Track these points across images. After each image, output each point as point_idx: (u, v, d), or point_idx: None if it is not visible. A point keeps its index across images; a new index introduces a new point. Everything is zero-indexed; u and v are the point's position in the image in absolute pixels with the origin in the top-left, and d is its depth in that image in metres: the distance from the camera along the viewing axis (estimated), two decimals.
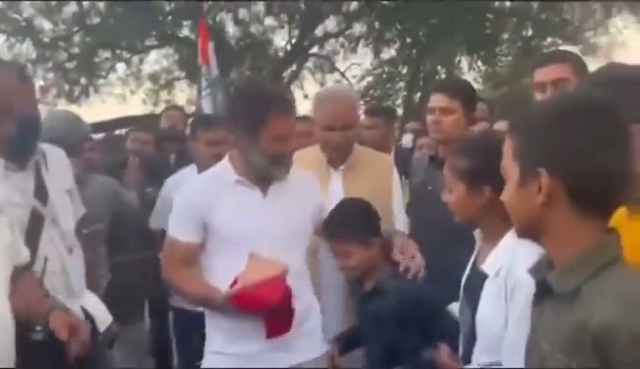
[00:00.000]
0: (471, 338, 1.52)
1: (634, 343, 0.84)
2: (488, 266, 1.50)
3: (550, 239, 0.99)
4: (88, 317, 2.00)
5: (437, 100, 2.34)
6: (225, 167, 1.95)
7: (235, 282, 1.81)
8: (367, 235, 1.91)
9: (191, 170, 2.93)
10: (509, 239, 1.48)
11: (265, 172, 1.88)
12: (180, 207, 1.96)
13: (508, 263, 1.43)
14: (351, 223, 1.93)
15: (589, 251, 0.94)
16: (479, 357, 1.51)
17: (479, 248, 1.60)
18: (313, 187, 2.06)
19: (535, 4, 12.04)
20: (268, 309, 1.79)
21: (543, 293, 1.00)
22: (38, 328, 1.60)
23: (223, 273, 1.87)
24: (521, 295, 1.37)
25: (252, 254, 1.83)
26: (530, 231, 1.02)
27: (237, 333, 1.87)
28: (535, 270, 1.05)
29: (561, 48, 9.07)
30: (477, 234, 1.61)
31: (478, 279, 1.51)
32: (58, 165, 2.05)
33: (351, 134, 2.26)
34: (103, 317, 2.06)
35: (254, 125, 1.82)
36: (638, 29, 12.30)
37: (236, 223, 1.87)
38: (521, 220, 1.02)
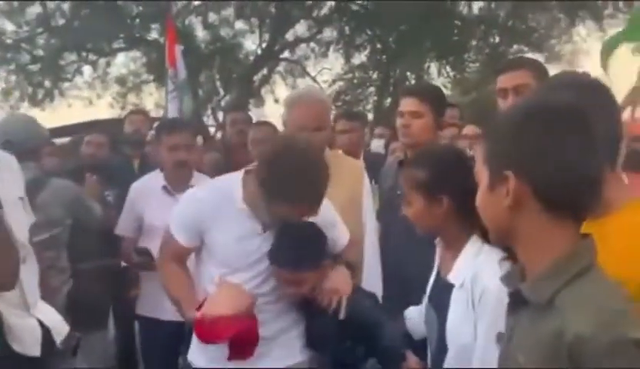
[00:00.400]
0: (442, 347, 1.50)
1: (607, 354, 0.83)
2: (453, 276, 1.49)
3: (522, 246, 0.97)
4: (44, 328, 1.93)
5: (407, 104, 2.33)
6: (235, 187, 1.88)
7: (202, 303, 1.79)
8: (319, 261, 1.83)
9: (156, 175, 2.83)
10: (470, 247, 1.48)
11: (267, 221, 1.84)
12: (182, 209, 1.94)
13: (473, 271, 1.43)
14: (303, 251, 1.81)
15: (563, 259, 0.92)
16: (451, 366, 1.50)
17: (441, 257, 1.59)
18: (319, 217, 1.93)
19: (502, 13, 12.31)
20: (220, 342, 1.77)
21: (517, 303, 0.99)
22: None
23: (208, 284, 1.87)
24: (488, 302, 1.36)
25: (222, 281, 1.81)
26: (502, 238, 1.00)
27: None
28: (508, 280, 1.03)
29: (527, 55, 9.28)
30: (437, 242, 1.60)
31: (444, 289, 1.50)
32: (9, 172, 1.95)
33: (322, 136, 2.19)
34: (59, 328, 1.99)
35: (268, 197, 1.74)
36: (600, 38, 12.66)
37: (229, 247, 1.85)
38: (493, 225, 1.01)
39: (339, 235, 1.99)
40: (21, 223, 1.91)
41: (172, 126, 2.89)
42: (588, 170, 0.94)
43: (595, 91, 1.17)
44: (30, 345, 1.86)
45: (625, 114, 2.89)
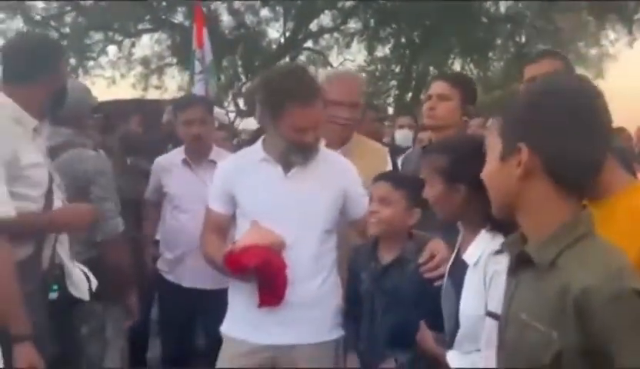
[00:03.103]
0: (457, 324, 1.53)
1: (611, 303, 0.89)
2: (468, 255, 1.53)
3: (526, 214, 1.02)
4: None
5: (436, 87, 2.34)
6: (256, 146, 2.01)
7: (232, 245, 1.87)
8: (414, 198, 1.81)
9: (180, 150, 2.92)
10: (487, 231, 1.51)
11: (286, 156, 1.92)
12: (214, 181, 2.06)
13: (487, 252, 1.47)
14: (409, 180, 1.90)
15: (567, 225, 0.98)
16: (461, 343, 1.53)
17: (462, 238, 1.62)
18: (343, 173, 2.02)
19: (529, 13, 12.16)
20: (247, 273, 1.83)
21: (519, 265, 1.04)
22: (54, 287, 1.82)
23: None
24: (499, 283, 1.38)
25: (254, 223, 1.89)
26: (507, 207, 1.05)
27: (243, 305, 1.93)
28: (510, 245, 1.09)
29: None
30: (460, 225, 1.63)
31: (462, 268, 1.54)
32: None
33: (356, 113, 2.26)
34: (90, 277, 2.07)
35: (275, 112, 1.86)
36: (629, 42, 12.46)
37: (255, 197, 1.94)
38: (500, 195, 1.06)
39: (365, 205, 2.01)
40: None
41: (186, 102, 3.01)
42: (596, 150, 1.00)
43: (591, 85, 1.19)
44: (83, 290, 2.01)
45: None
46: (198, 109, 2.82)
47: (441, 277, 1.70)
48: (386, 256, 1.89)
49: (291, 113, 1.82)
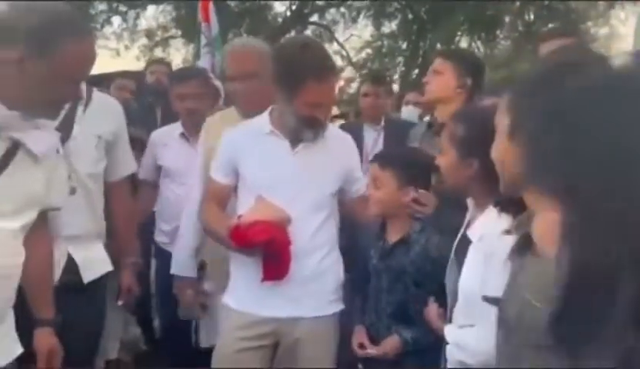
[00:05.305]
0: (456, 300, 1.56)
1: None
2: (472, 232, 1.54)
3: (533, 194, 1.00)
4: (72, 263, 2.01)
5: (434, 63, 2.39)
6: (263, 119, 1.98)
7: (238, 219, 1.88)
8: (406, 178, 1.85)
9: (177, 124, 2.91)
10: (493, 209, 1.50)
11: (296, 131, 1.91)
12: (219, 150, 2.03)
13: (491, 230, 1.45)
14: (397, 158, 1.91)
15: None
16: (457, 318, 1.56)
17: (470, 215, 1.63)
18: (347, 150, 2.05)
19: None
20: (253, 248, 1.84)
21: (525, 246, 1.03)
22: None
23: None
24: (499, 261, 1.39)
25: (259, 197, 1.89)
26: (514, 186, 1.03)
27: (246, 278, 1.95)
28: (517, 227, 1.08)
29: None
30: (469, 201, 1.63)
31: (467, 244, 1.55)
32: (102, 112, 2.08)
33: (253, 84, 2.12)
34: (91, 269, 2.08)
35: (290, 87, 1.84)
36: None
37: (260, 170, 1.93)
38: (508, 172, 1.04)
39: (361, 184, 2.07)
40: (86, 155, 2.02)
41: (181, 76, 3.00)
42: None
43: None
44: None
45: None
46: (192, 84, 2.82)
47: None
48: (392, 235, 1.92)
49: (308, 88, 1.80)
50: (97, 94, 2.10)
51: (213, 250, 2.19)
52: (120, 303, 2.36)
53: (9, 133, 1.38)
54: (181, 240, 2.35)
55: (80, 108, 2.00)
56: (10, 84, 1.34)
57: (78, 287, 2.00)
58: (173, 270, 2.35)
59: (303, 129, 1.89)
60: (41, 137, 1.43)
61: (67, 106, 1.86)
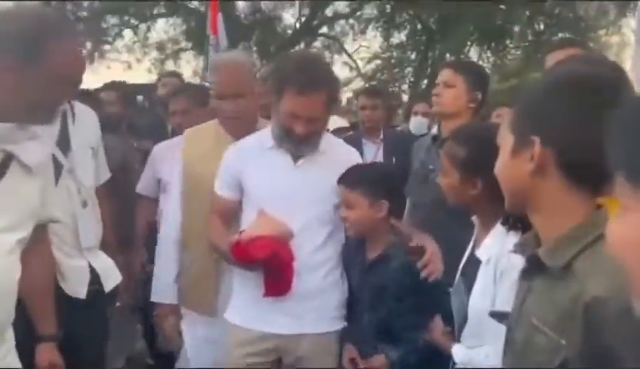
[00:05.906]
0: (463, 319, 1.53)
1: (622, 315, 0.83)
2: (481, 252, 1.52)
3: (539, 213, 0.97)
4: (94, 273, 2.03)
5: (443, 75, 2.38)
6: (265, 133, 1.98)
7: (240, 235, 1.87)
8: (375, 193, 1.84)
9: (179, 139, 2.89)
10: (500, 227, 1.46)
11: (279, 142, 1.91)
12: (222, 164, 2.02)
13: (499, 249, 1.44)
14: (363, 176, 1.88)
15: (582, 226, 0.93)
16: (466, 338, 1.54)
17: (477, 234, 1.61)
18: (352, 163, 2.00)
19: None
20: (254, 264, 1.83)
21: (532, 268, 1.00)
22: None
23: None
24: (509, 279, 1.37)
25: (261, 212, 1.88)
26: (519, 203, 1.00)
27: (249, 294, 1.93)
28: (522, 246, 1.04)
29: None
30: (475, 220, 1.61)
31: (475, 264, 1.53)
32: (86, 122, 2.10)
33: (244, 103, 2.10)
34: (110, 274, 2.09)
35: (274, 96, 1.86)
36: None
37: (262, 184, 1.93)
38: (512, 190, 1.01)
39: None
40: (88, 168, 2.03)
41: (173, 93, 3.09)
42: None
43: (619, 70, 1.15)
44: (75, 286, 1.97)
45: None
46: (180, 100, 2.89)
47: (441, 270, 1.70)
48: (371, 252, 1.91)
49: (286, 98, 1.81)
50: (77, 104, 2.09)
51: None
52: (118, 304, 2.37)
53: (1, 145, 1.36)
54: (160, 266, 2.23)
55: (69, 121, 2.01)
56: (2, 92, 1.33)
57: (99, 297, 2.02)
58: (153, 298, 2.23)
59: (284, 140, 1.88)
60: (34, 148, 1.41)
61: (58, 121, 1.86)
